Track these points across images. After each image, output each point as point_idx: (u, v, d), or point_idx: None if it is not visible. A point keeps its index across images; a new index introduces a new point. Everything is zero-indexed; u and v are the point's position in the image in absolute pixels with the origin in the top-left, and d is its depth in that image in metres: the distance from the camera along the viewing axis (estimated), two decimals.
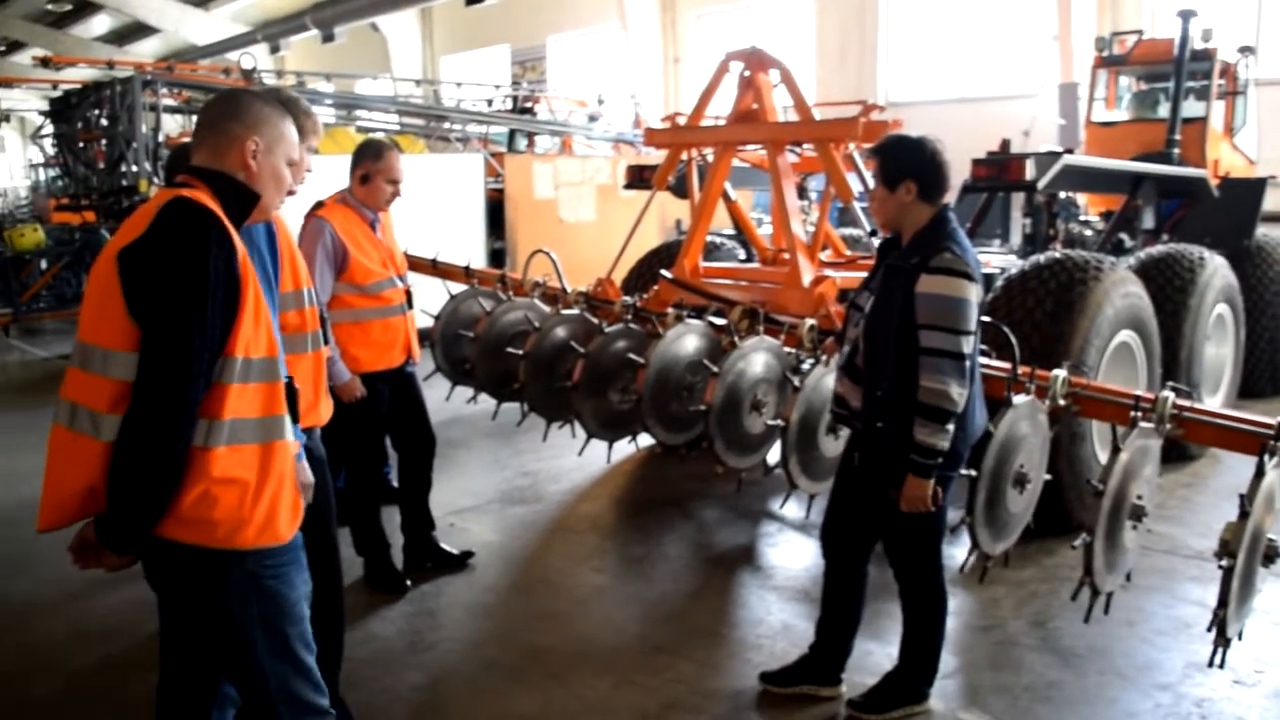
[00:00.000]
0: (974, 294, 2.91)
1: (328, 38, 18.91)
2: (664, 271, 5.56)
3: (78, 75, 13.41)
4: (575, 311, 5.20)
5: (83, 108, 10.05)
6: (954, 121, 10.61)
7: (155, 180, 9.42)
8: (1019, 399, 3.44)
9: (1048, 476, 3.66)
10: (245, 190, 2.24)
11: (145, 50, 24.14)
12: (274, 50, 21.29)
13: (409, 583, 4.49)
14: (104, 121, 9.54)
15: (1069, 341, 4.53)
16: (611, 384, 4.85)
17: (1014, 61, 13.98)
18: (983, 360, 4.08)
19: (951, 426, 2.89)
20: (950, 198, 3.15)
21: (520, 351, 5.03)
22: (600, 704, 3.50)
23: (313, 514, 2.53)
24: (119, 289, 2.01)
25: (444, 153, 12.17)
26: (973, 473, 3.26)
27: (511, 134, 13.69)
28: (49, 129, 11.84)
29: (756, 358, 4.34)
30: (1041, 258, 4.92)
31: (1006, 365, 3.85)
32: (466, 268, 6.47)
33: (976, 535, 3.35)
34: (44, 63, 12.80)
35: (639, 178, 6.45)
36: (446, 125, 12.65)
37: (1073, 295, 4.62)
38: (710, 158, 5.63)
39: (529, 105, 14.03)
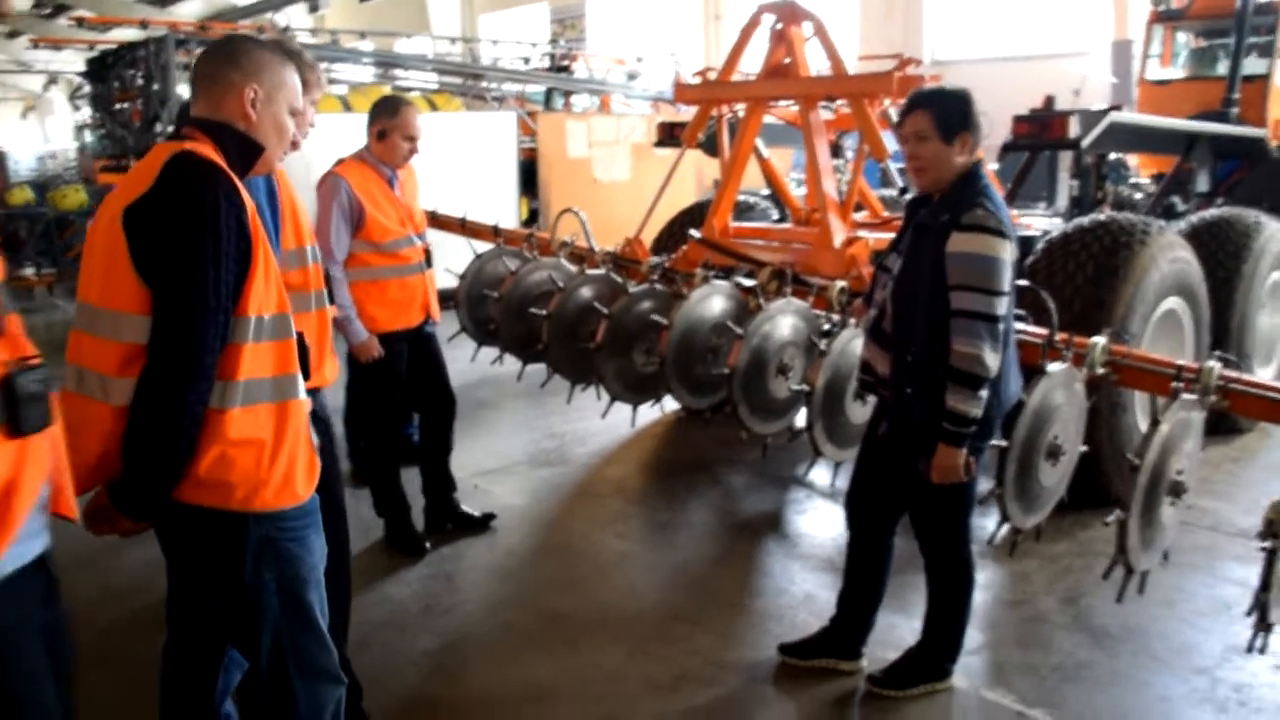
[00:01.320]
0: (1008, 252, 2.75)
1: None
2: (693, 231, 5.42)
3: (117, 36, 13.44)
4: (600, 272, 5.10)
5: (118, 68, 10.05)
6: (1001, 80, 10.26)
7: None
8: (1054, 367, 3.29)
9: (1084, 448, 3.51)
10: (247, 141, 2.15)
11: (187, 11, 24.13)
12: (313, 9, 21.22)
13: (428, 545, 4.44)
14: (139, 81, 9.52)
15: (1111, 308, 4.34)
16: (635, 346, 4.75)
17: (1064, 17, 13.50)
18: (1019, 326, 3.93)
19: (985, 393, 2.74)
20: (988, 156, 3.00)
21: (544, 312, 4.94)
22: (614, 672, 3.43)
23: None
24: (125, 249, 1.93)
25: (480, 111, 12.06)
26: (1003, 443, 3.12)
27: (548, 93, 13.52)
28: (87, 89, 11.89)
29: (783, 320, 4.21)
30: (1085, 220, 4.71)
31: (1043, 331, 3.70)
32: (495, 227, 6.37)
33: (1006, 508, 3.22)
34: (79, 23, 12.84)
35: (670, 135, 6.29)
36: (483, 84, 12.49)
37: (1116, 260, 4.41)
38: (742, 114, 5.45)
39: (566, 64, 13.83)
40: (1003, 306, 2.74)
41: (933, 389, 2.78)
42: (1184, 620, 3.71)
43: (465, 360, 6.00)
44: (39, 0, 21.35)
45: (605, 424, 5.55)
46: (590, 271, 5.08)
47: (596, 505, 5.09)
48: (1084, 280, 4.40)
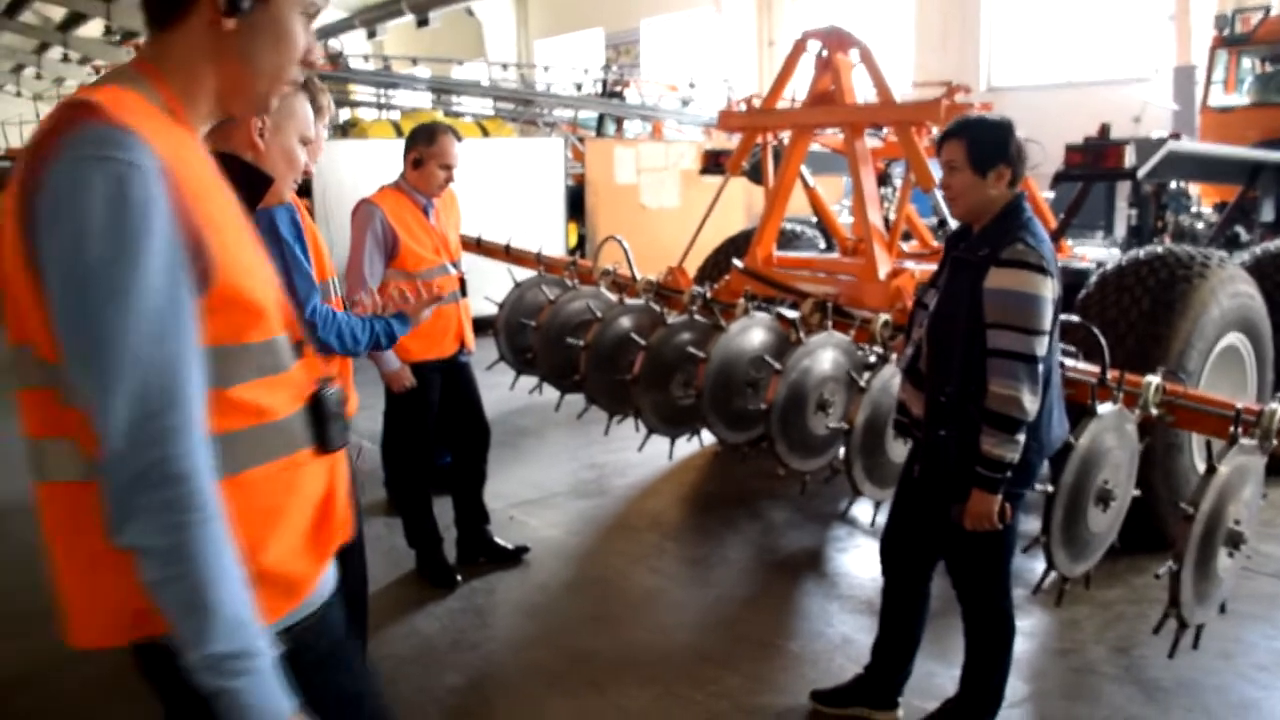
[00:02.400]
0: (1049, 290, 2.63)
1: (422, 22, 19.05)
2: (735, 261, 5.34)
3: None
4: (639, 302, 5.03)
5: None
6: (1058, 107, 10.10)
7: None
8: (1104, 408, 3.13)
9: (1136, 492, 3.35)
10: (255, 172, 2.12)
11: None
12: (371, 35, 21.62)
13: (459, 578, 4.39)
14: None
15: (1167, 344, 4.16)
16: (673, 378, 4.66)
17: (1125, 43, 13.23)
18: (1069, 363, 3.79)
19: (1022, 437, 2.62)
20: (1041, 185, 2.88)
21: (581, 342, 4.88)
22: (639, 716, 3.33)
23: None
24: None
25: (532, 137, 12.12)
26: (1049, 488, 2.98)
27: (600, 118, 13.56)
28: None
29: (824, 355, 4.10)
30: (1141, 252, 4.54)
31: (1094, 369, 3.56)
32: (538, 254, 6.36)
33: (1053, 555, 3.07)
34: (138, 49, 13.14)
35: (714, 163, 6.23)
36: (534, 109, 12.57)
37: (1173, 294, 4.24)
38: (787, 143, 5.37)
39: (618, 89, 13.87)
40: (1043, 347, 2.62)
41: (967, 431, 2.66)
42: (1241, 674, 3.52)
43: (507, 388, 5.97)
44: (109, 28, 22.02)
45: (645, 455, 5.47)
46: (629, 301, 5.02)
47: (632, 539, 5.00)
48: (1139, 315, 4.23)
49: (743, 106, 5.49)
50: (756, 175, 5.70)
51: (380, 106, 11.86)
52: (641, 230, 6.78)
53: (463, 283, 4.31)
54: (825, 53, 4.84)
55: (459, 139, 5.12)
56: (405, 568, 4.53)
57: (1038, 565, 3.46)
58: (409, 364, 4.15)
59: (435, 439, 4.47)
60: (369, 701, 1.61)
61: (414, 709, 3.40)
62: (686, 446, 5.32)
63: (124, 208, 1.20)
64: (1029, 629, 3.86)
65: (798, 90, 5.18)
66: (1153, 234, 6.80)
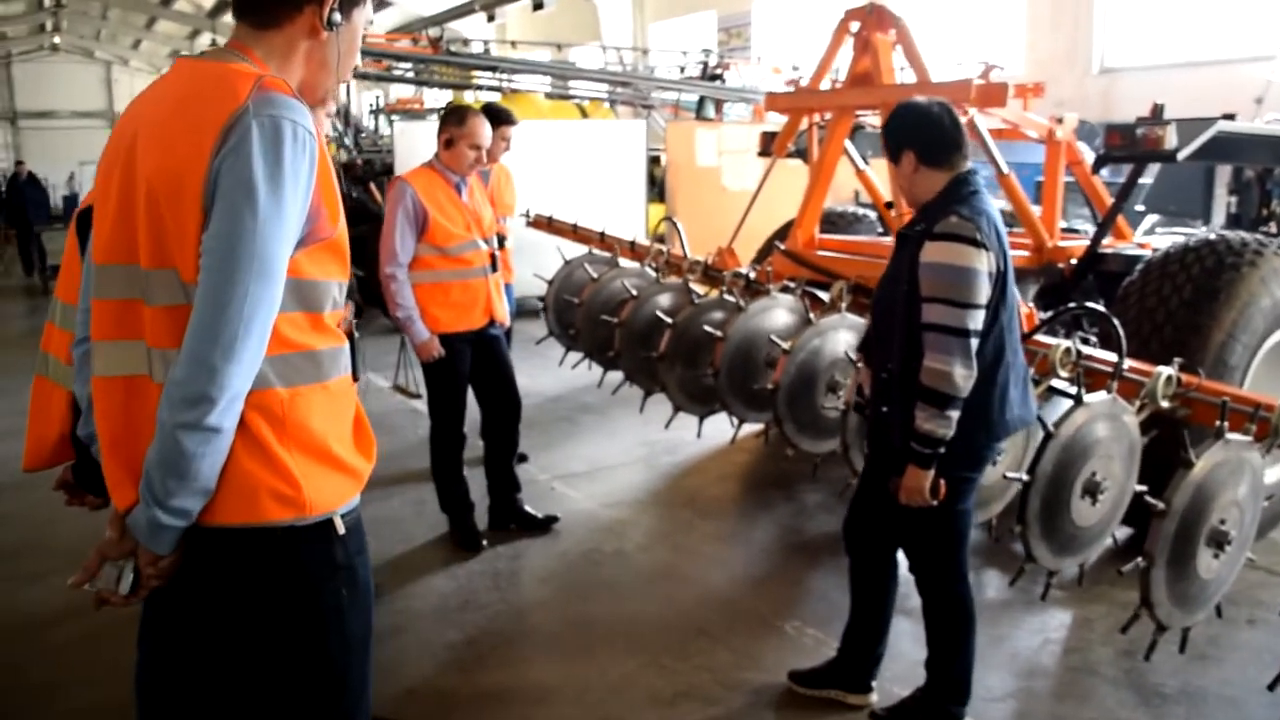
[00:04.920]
0: (983, 262, 2.57)
1: (538, 5, 19.36)
2: (778, 243, 5.32)
3: None
4: (677, 281, 5.08)
5: None
6: (1177, 88, 9.55)
7: (345, 143, 9.98)
8: (1092, 397, 3.04)
9: (1141, 487, 3.23)
10: None
11: (386, 21, 25.69)
12: (490, 19, 22.08)
13: (485, 543, 4.54)
14: None
15: (1207, 336, 3.96)
16: (700, 356, 4.70)
17: (1250, 19, 12.37)
18: (1090, 352, 3.67)
19: (954, 413, 2.57)
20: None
21: (616, 319, 4.96)
22: (619, 682, 3.40)
23: None
24: None
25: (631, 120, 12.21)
26: (1023, 476, 2.92)
27: (701, 101, 13.54)
28: None
29: (836, 336, 4.07)
30: (1192, 238, 4.33)
31: (1113, 358, 3.45)
32: (601, 234, 6.47)
33: (1030, 547, 3.00)
34: None
35: (770, 144, 6.19)
36: (630, 90, 12.65)
37: (1218, 282, 4.02)
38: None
39: (719, 72, 13.81)
40: (976, 321, 2.57)
41: (909, 407, 2.63)
42: (1257, 690, 3.32)
43: (570, 364, 6.12)
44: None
45: (702, 434, 5.49)
46: (666, 280, 5.07)
47: (663, 515, 5.07)
48: (1179, 304, 4.04)
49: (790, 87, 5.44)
50: (805, 157, 5.65)
51: (477, 89, 12.14)
52: (722, 212, 6.74)
53: (493, 258, 4.43)
54: (864, 31, 4.76)
55: (513, 122, 5.28)
56: (440, 530, 4.72)
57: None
58: (438, 335, 4.31)
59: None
60: (373, 591, 1.80)
61: (410, 661, 3.56)
62: (745, 428, 5.32)
63: (302, 158, 1.50)
64: (1037, 624, 3.77)
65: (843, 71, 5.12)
66: (1256, 222, 6.41)
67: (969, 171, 2.72)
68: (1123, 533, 3.84)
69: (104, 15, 30.63)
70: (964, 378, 2.55)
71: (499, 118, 5.12)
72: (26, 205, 15.01)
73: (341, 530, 1.64)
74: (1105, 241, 4.77)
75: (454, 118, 4.28)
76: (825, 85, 5.37)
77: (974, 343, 2.56)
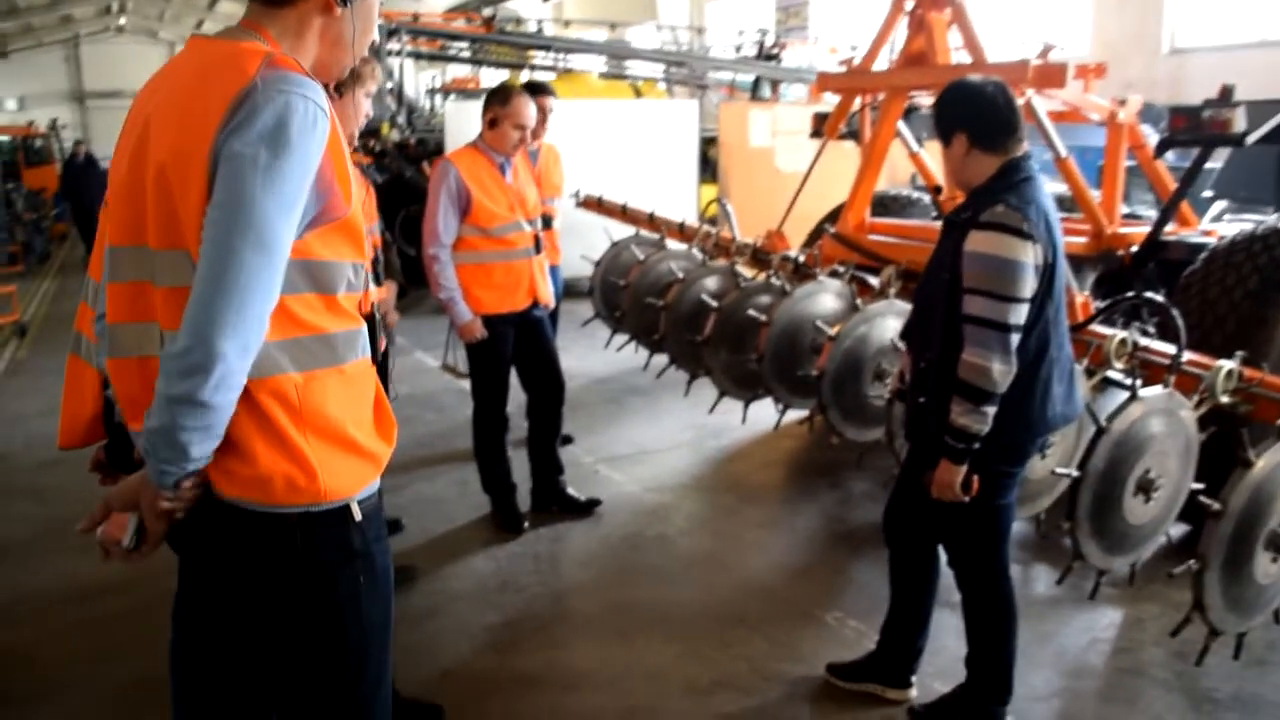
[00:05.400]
0: (1029, 255, 2.48)
1: None
2: (828, 226, 5.22)
3: None
4: (723, 264, 5.02)
5: None
6: (1253, 68, 9.23)
7: (398, 122, 10.03)
8: (1148, 391, 2.93)
9: (1198, 485, 3.11)
10: None
11: (436, 3, 25.79)
12: None
13: (526, 525, 4.55)
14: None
15: (1273, 328, 3.81)
16: (745, 341, 4.64)
17: None
18: (1148, 343, 3.56)
19: (990, 409, 2.49)
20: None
21: (661, 302, 4.92)
22: (655, 670, 3.38)
23: None
24: None
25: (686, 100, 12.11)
26: (1073, 472, 2.83)
27: (756, 81, 13.40)
28: None
29: (883, 323, 3.99)
30: (1259, 226, 4.16)
31: (1170, 350, 3.33)
32: (651, 215, 6.43)
33: (1080, 545, 2.91)
34: None
35: (822, 125, 6.08)
36: (684, 70, 12.55)
37: None
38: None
39: (775, 51, 13.64)
40: (1018, 315, 2.48)
41: (946, 400, 2.55)
42: None
43: (616, 346, 6.08)
44: None
45: (748, 418, 5.44)
46: (713, 263, 5.01)
47: (706, 500, 5.03)
48: (1243, 295, 3.89)
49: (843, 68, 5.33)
50: (858, 138, 5.54)
51: (532, 68, 12.12)
52: (776, 194, 6.64)
53: (537, 240, 4.41)
54: (918, 10, 4.63)
55: (551, 93, 5.23)
56: (482, 511, 4.74)
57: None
58: (481, 316, 4.30)
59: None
60: (392, 577, 1.79)
61: (446, 643, 3.58)
62: (792, 413, 5.26)
63: (310, 135, 1.47)
64: (1086, 623, 3.66)
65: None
66: None
67: (1023, 156, 2.62)
68: (1179, 530, 3.71)
69: None
70: (1002, 374, 2.47)
71: (537, 90, 5.09)
72: (87, 185, 15.31)
73: (358, 517, 1.63)
74: (1168, 228, 4.61)
75: (498, 97, 4.26)
76: (880, 66, 5.25)
77: (1015, 338, 2.48)
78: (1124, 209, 6.45)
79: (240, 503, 1.55)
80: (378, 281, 3.09)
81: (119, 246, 1.58)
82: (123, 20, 33.17)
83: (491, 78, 18.18)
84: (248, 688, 1.73)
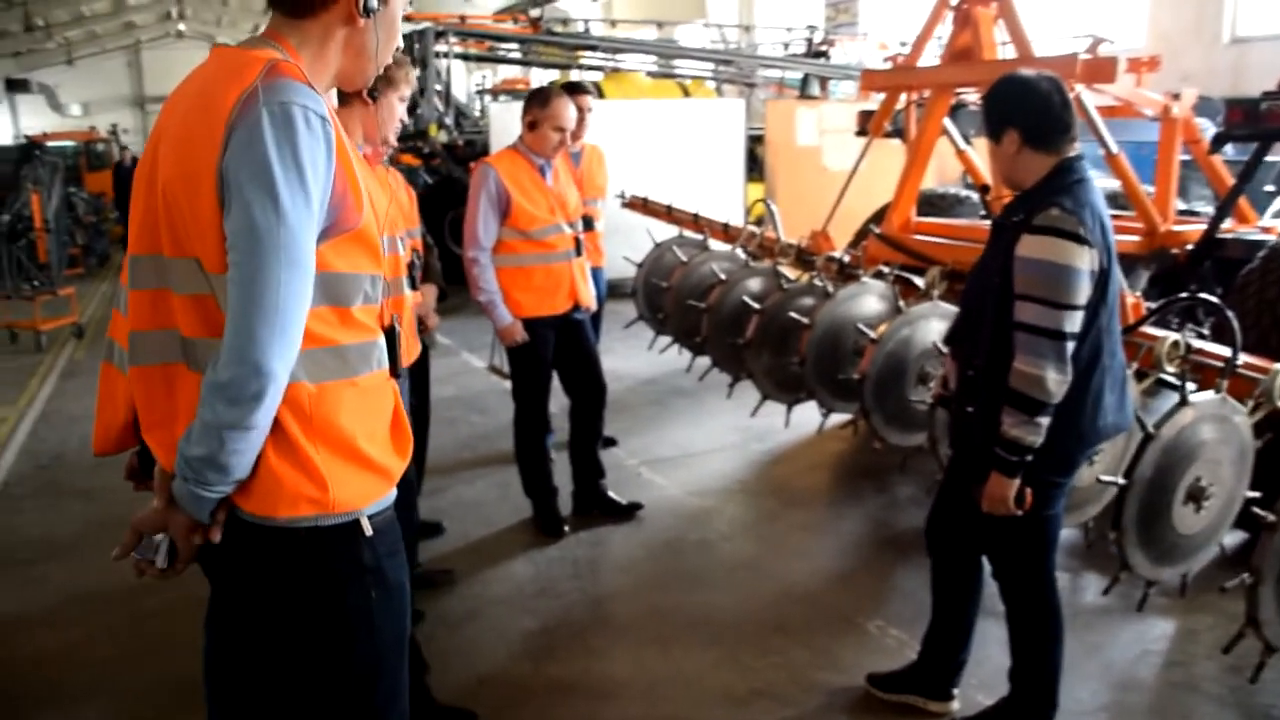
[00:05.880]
0: (1085, 260, 2.39)
1: None
2: (872, 226, 5.14)
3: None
4: (766, 265, 4.96)
5: None
6: None
7: (446, 124, 10.10)
8: (1200, 396, 2.83)
9: (1253, 494, 3.01)
10: None
11: (493, 2, 25.93)
12: None
13: (567, 529, 4.54)
14: None
15: None
16: (787, 344, 4.58)
17: None
18: (1203, 346, 3.45)
19: (1044, 420, 2.41)
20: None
21: (703, 305, 4.88)
22: (693, 678, 3.35)
23: None
24: None
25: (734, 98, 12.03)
26: (1119, 480, 2.74)
27: (805, 78, 13.28)
28: None
29: (928, 325, 3.91)
30: None
31: (1224, 353, 3.22)
32: (695, 215, 6.39)
33: (1127, 554, 2.82)
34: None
35: (868, 123, 5.99)
36: (731, 69, 12.47)
37: None
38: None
39: (823, 49, 13.50)
40: (1073, 323, 2.39)
41: (994, 409, 2.48)
42: None
43: (660, 347, 6.04)
44: None
45: (793, 422, 5.38)
46: (755, 265, 4.96)
47: (749, 503, 4.98)
48: None
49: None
50: (904, 136, 5.44)
51: (581, 68, 12.13)
52: (824, 193, 6.55)
53: (578, 242, 4.39)
54: (964, 5, 4.53)
55: (588, 92, 5.21)
56: (523, 514, 4.73)
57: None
58: (521, 319, 4.30)
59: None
60: (408, 591, 1.77)
61: (482, 648, 3.57)
62: (832, 417, 5.20)
63: (317, 144, 1.46)
64: (1136, 634, 3.56)
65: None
66: None
67: (1076, 157, 2.54)
68: (1234, 538, 3.59)
69: (225, 2, 31.72)
70: (1057, 383, 2.39)
71: (574, 90, 5.08)
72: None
73: (369, 531, 1.61)
74: (1224, 225, 4.46)
75: (537, 99, 4.25)
76: (927, 61, 5.16)
77: (1070, 346, 2.40)
78: (1181, 205, 6.28)
79: (254, 519, 1.55)
80: (413, 285, 3.08)
81: (138, 255, 1.59)
82: (182, 25, 33.89)
83: (542, 78, 18.25)
84: (273, 696, 1.74)
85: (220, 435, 1.45)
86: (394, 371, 1.74)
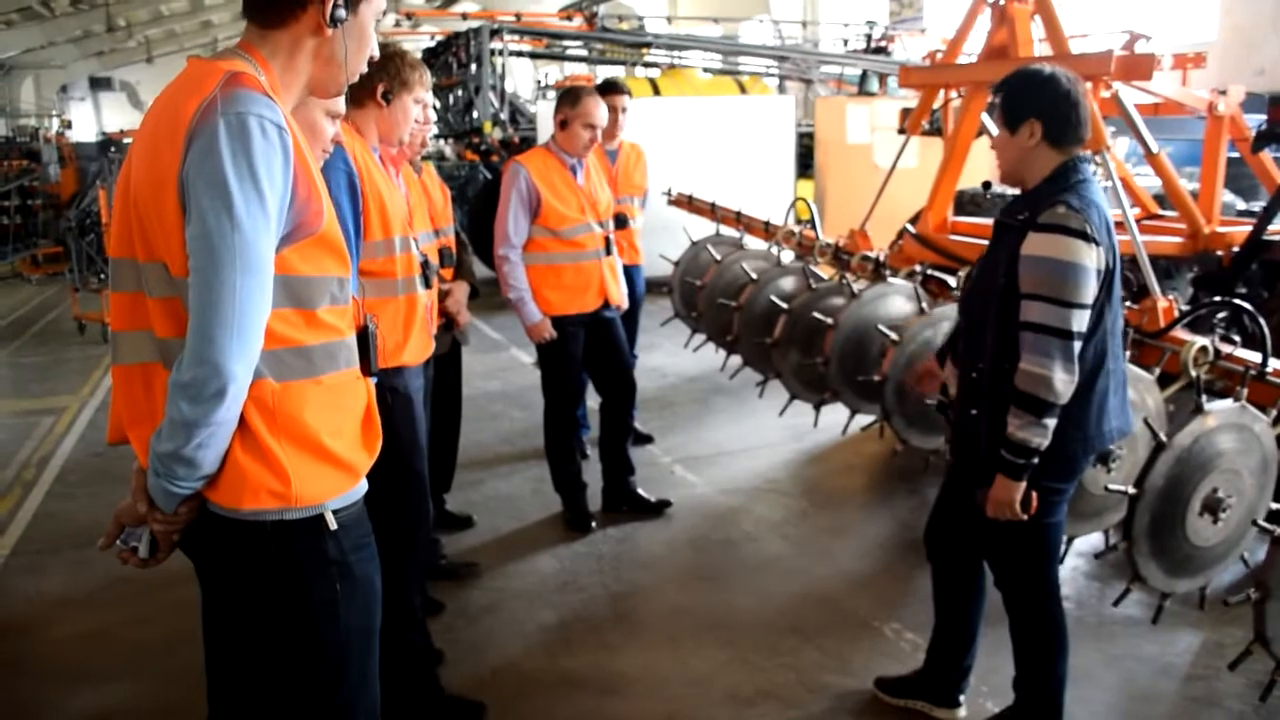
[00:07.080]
0: (1093, 259, 2.34)
1: None
2: (908, 225, 5.09)
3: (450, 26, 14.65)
4: (797, 264, 4.94)
5: (444, 56, 11.12)
6: None
7: (501, 120, 10.21)
8: (1216, 405, 2.76)
9: (1277, 505, 2.92)
10: None
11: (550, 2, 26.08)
12: None
13: (594, 524, 4.58)
14: (457, 69, 10.49)
15: None
16: (814, 343, 4.56)
17: None
18: (1234, 352, 3.36)
19: (1051, 421, 2.37)
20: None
21: (734, 303, 4.88)
22: (701, 676, 3.36)
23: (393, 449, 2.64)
24: None
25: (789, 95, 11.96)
26: (1129, 489, 2.68)
27: (864, 75, 13.13)
28: None
29: (949, 327, 3.85)
30: None
31: (1252, 358, 3.14)
32: (738, 213, 6.39)
33: (1138, 566, 2.76)
34: (408, 17, 14.33)
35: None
36: (786, 65, 12.38)
37: None
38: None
39: (883, 44, 13.32)
40: (1081, 322, 2.35)
41: (999, 411, 2.44)
42: None
43: (694, 345, 6.03)
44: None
45: (828, 421, 5.34)
46: (787, 264, 4.94)
47: (777, 503, 4.97)
48: None
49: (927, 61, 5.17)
50: (942, 133, 5.37)
51: (641, 65, 12.14)
52: (874, 191, 6.50)
53: (608, 241, 4.42)
54: (1000, 2, 4.45)
55: (624, 91, 5.23)
56: (553, 510, 4.79)
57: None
58: (550, 317, 4.34)
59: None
60: (377, 586, 1.82)
61: (497, 641, 3.63)
62: (857, 419, 5.16)
63: (273, 152, 1.51)
64: (1158, 646, 3.47)
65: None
66: None
67: (1081, 158, 2.50)
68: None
69: None
70: (1064, 383, 2.35)
71: (609, 89, 5.10)
72: None
73: (334, 526, 1.66)
74: (1272, 227, 4.32)
75: (568, 98, 4.28)
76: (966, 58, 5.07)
77: (1077, 345, 2.35)
78: (1240, 205, 6.09)
79: (221, 510, 1.61)
80: (426, 284, 3.13)
81: (118, 259, 1.66)
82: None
83: (606, 74, 18.33)
84: (252, 684, 1.80)
85: (186, 432, 1.52)
86: (367, 370, 1.78)
